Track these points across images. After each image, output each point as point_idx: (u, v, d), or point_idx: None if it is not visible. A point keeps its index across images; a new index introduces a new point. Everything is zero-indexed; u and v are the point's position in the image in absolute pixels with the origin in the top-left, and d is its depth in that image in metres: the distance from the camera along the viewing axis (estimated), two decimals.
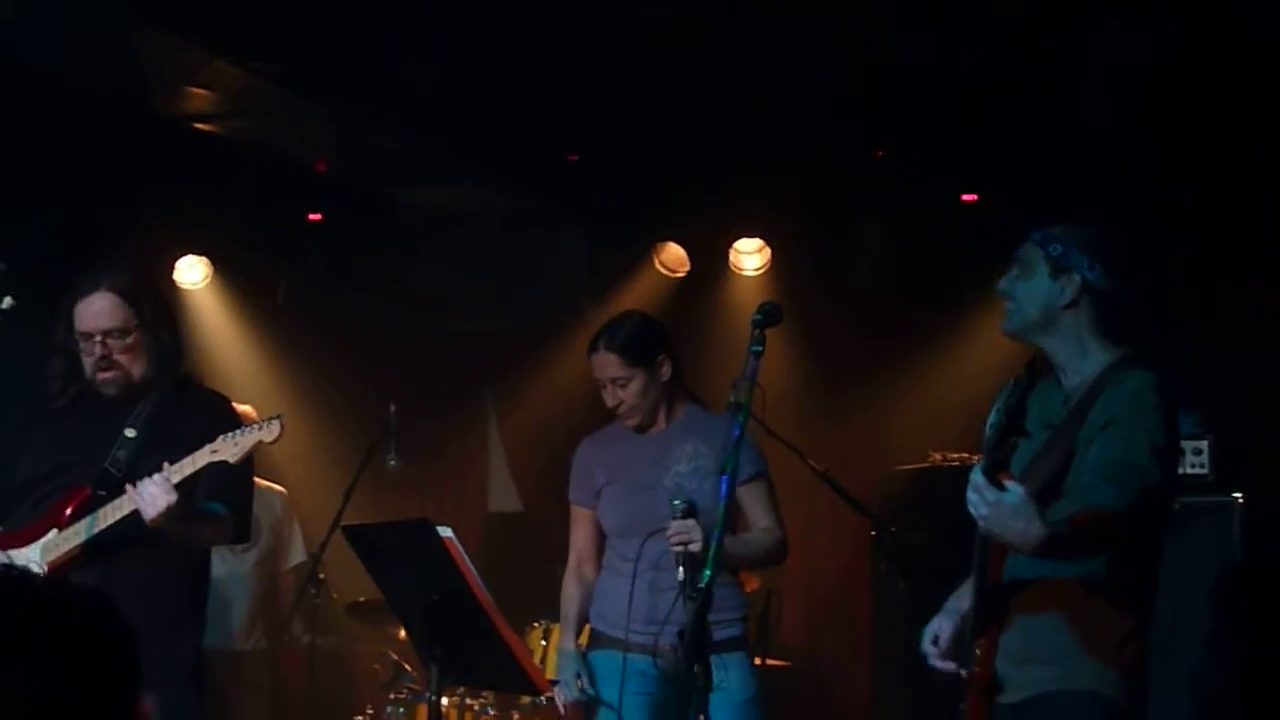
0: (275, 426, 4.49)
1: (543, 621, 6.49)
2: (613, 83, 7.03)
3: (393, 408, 6.95)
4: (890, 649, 6.94)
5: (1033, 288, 4.04)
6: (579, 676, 5.15)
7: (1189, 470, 5.92)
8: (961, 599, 4.10)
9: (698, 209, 8.29)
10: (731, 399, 5.27)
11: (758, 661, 6.51)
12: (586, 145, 7.92)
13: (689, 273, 8.62)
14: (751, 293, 8.22)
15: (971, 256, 7.70)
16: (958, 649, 4.00)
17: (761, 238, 8.48)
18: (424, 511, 8.59)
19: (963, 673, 3.95)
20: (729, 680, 5.01)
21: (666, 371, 5.21)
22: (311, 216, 8.63)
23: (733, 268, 8.51)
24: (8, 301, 4.80)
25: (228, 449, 4.49)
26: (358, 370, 8.73)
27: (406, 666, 6.90)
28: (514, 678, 4.71)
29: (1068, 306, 4.01)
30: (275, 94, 6.92)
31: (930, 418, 7.83)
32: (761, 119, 7.34)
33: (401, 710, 6.68)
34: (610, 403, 5.22)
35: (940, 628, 4.06)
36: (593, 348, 5.23)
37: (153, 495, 4.46)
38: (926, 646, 4.06)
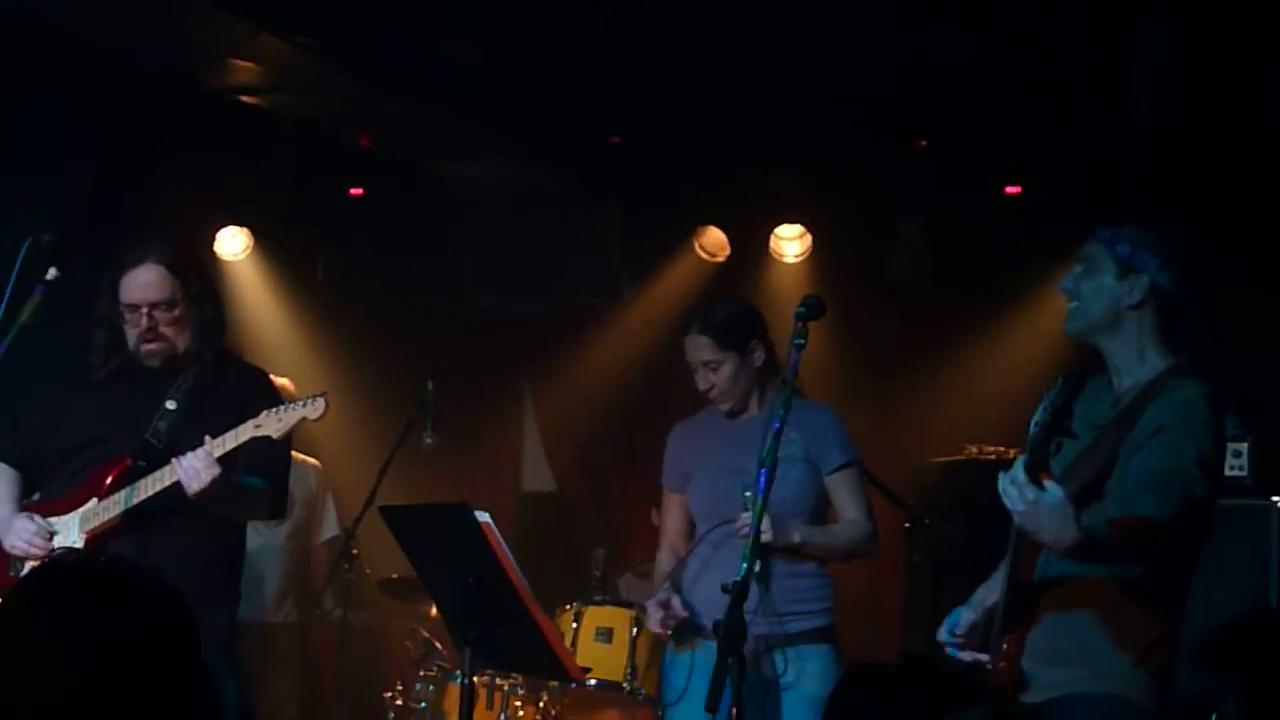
0: (320, 404, 4.50)
1: (574, 604, 6.48)
2: (656, 65, 7.02)
3: (430, 385, 6.97)
4: (921, 640, 6.92)
5: (1098, 287, 3.98)
6: (666, 606, 5.08)
7: (1228, 473, 5.87)
8: (989, 592, 4.08)
9: (739, 194, 8.27)
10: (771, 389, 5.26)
11: None
12: (629, 127, 7.91)
13: (729, 258, 8.59)
14: (791, 279, 8.20)
15: (1012, 250, 7.68)
16: (982, 639, 3.98)
17: (803, 224, 8.43)
18: (458, 489, 8.64)
19: (986, 663, 3.93)
20: (805, 673, 4.94)
21: (759, 357, 5.14)
22: (353, 191, 8.63)
23: (773, 254, 8.47)
24: (52, 272, 4.82)
25: (271, 424, 4.51)
26: (395, 346, 8.75)
27: (437, 644, 6.92)
28: (547, 663, 4.71)
29: (1134, 307, 3.95)
30: (319, 68, 6.93)
31: (967, 410, 7.80)
32: (805, 107, 7.31)
33: (431, 688, 6.68)
34: (702, 386, 5.16)
35: (963, 618, 4.04)
36: (685, 329, 5.18)
37: (195, 469, 4.48)
38: (944, 636, 4.05)
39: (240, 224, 8.70)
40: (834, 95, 7.16)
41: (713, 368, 5.10)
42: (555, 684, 6.37)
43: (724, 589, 4.13)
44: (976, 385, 7.92)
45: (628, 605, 6.43)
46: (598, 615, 6.30)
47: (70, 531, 4.72)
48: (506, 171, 8.45)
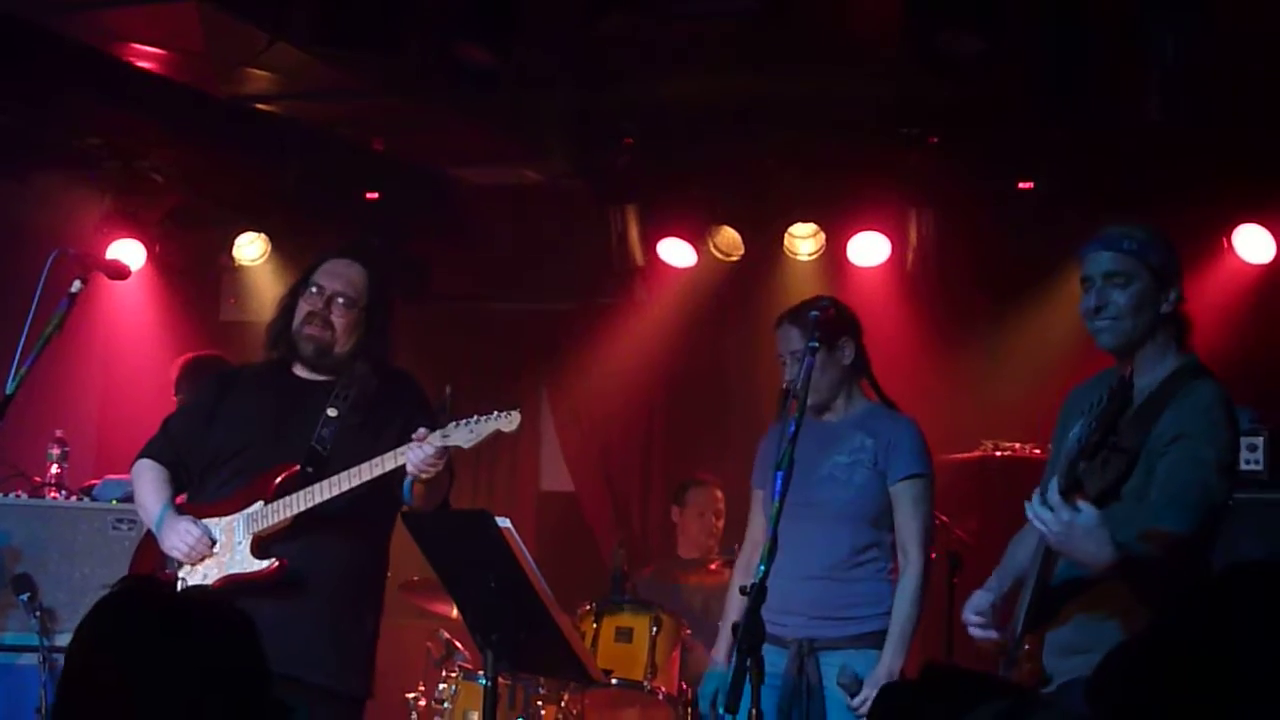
0: (515, 417, 4.55)
1: (594, 604, 6.53)
2: (668, 66, 7.04)
3: (448, 390, 6.97)
4: (938, 634, 6.93)
5: (1138, 299, 3.93)
6: (714, 699, 5.09)
7: (1244, 466, 5.86)
8: (1003, 576, 4.13)
9: (752, 193, 8.27)
10: (784, 388, 5.27)
11: None
12: (642, 127, 7.92)
13: (743, 257, 8.60)
14: (806, 278, 8.20)
15: (1026, 246, 7.68)
16: (999, 620, 4.03)
17: (816, 223, 8.42)
18: (476, 489, 8.67)
19: (1002, 640, 3.98)
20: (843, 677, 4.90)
21: (848, 355, 5.12)
22: (368, 195, 8.66)
23: (787, 252, 8.47)
24: (77, 285, 4.89)
25: (461, 435, 4.56)
26: (411, 349, 8.73)
27: (458, 645, 6.96)
28: (568, 665, 4.76)
29: (1169, 316, 3.95)
30: (334, 75, 6.95)
31: (981, 407, 7.80)
32: (814, 106, 7.33)
33: (454, 688, 6.73)
34: (788, 378, 5.06)
35: (981, 601, 4.09)
36: (778, 322, 5.17)
37: (430, 462, 4.55)
38: (969, 616, 4.09)
39: (258, 229, 8.74)
40: (844, 93, 7.17)
41: (800, 359, 4.94)
42: (576, 684, 6.41)
43: (742, 591, 4.15)
44: (991, 381, 7.91)
45: (647, 605, 6.47)
46: (618, 615, 6.35)
47: (237, 532, 4.75)
48: (520, 174, 8.47)
